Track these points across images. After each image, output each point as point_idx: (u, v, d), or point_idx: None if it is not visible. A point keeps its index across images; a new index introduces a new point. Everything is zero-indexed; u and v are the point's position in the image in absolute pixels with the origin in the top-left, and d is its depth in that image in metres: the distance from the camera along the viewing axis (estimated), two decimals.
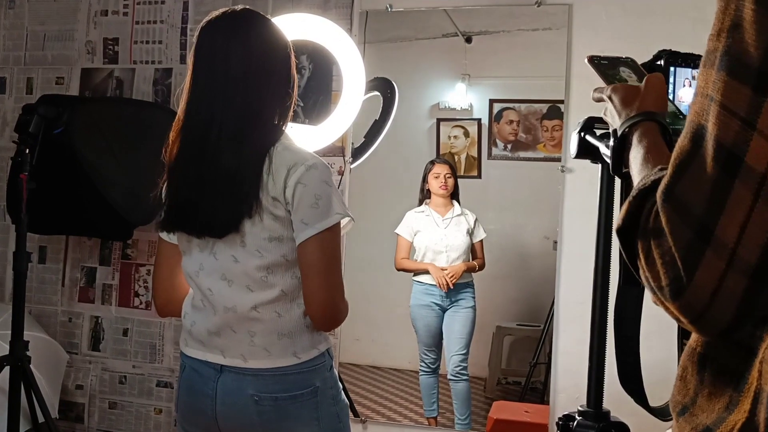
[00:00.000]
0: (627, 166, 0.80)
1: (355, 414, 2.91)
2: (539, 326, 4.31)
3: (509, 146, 4.96)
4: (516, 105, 4.88)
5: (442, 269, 3.44)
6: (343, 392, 1.44)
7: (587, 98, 2.38)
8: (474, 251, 3.58)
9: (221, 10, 1.39)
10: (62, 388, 2.71)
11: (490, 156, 4.97)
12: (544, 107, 4.81)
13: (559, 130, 4.83)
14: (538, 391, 4.13)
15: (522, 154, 4.93)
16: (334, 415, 1.39)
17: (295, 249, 1.32)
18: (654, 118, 0.81)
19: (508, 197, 4.82)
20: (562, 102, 4.69)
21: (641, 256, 0.64)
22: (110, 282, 2.79)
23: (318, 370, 1.37)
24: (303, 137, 2.04)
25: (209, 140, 1.31)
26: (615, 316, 0.93)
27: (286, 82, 1.38)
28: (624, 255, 0.68)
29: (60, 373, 2.68)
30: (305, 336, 1.35)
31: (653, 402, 0.94)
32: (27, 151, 2.17)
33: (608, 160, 0.89)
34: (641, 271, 0.65)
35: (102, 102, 2.69)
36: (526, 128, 4.93)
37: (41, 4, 2.91)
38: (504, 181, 4.88)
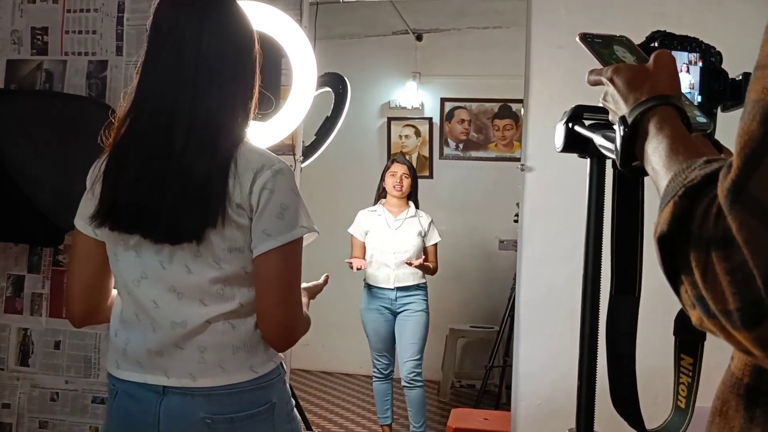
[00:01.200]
0: (638, 158, 0.70)
1: (308, 426, 2.77)
2: (493, 328, 4.27)
3: (461, 146, 4.91)
4: (467, 104, 4.83)
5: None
6: (295, 407, 1.35)
7: (547, 95, 2.31)
8: (426, 255, 3.47)
9: None
10: None
11: (441, 156, 4.92)
12: (496, 106, 4.78)
13: (510, 129, 4.81)
14: (493, 394, 4.09)
15: (474, 153, 4.89)
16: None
17: (253, 261, 1.21)
18: (671, 102, 0.71)
19: (460, 197, 4.78)
20: (513, 101, 4.66)
21: (696, 271, 0.52)
22: (40, 291, 2.58)
23: (274, 384, 1.26)
24: (251, 135, 1.90)
25: (175, 137, 1.16)
26: (607, 330, 0.84)
27: (254, 74, 1.26)
28: (663, 268, 0.56)
29: None
30: (261, 348, 1.24)
31: (648, 423, 0.85)
32: None
33: (607, 153, 0.79)
34: (690, 289, 0.53)
35: (27, 95, 2.48)
36: (477, 127, 4.89)
37: None
38: (456, 181, 4.83)
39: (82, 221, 1.28)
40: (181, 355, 1.21)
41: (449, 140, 5.02)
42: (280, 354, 1.30)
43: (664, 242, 0.55)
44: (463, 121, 4.97)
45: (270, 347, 1.26)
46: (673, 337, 0.85)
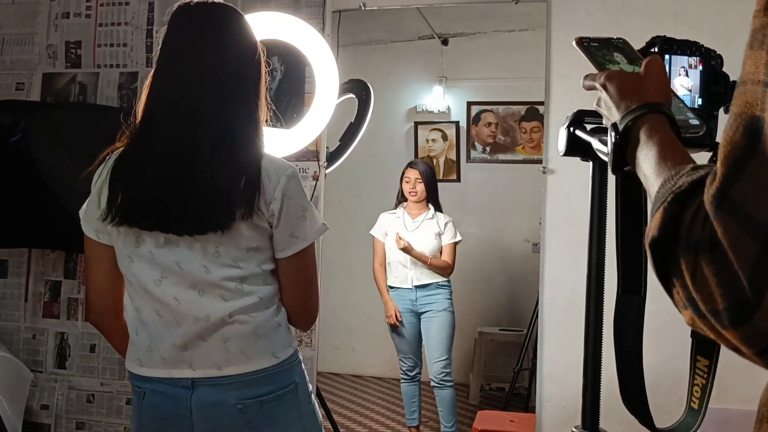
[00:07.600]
0: (630, 164, 0.72)
1: (335, 429, 2.80)
2: (522, 331, 4.25)
3: (488, 149, 4.91)
4: (494, 107, 4.83)
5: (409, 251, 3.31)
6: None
7: (568, 97, 2.32)
8: (441, 254, 3.44)
9: (197, 1, 1.30)
10: (26, 409, 2.58)
11: (468, 159, 4.92)
12: (522, 109, 4.76)
13: (537, 132, 4.79)
14: (522, 397, 4.07)
15: (501, 156, 4.88)
16: (311, 413, 1.36)
17: (269, 259, 1.28)
18: (661, 110, 0.73)
19: (488, 200, 4.77)
20: (540, 103, 4.64)
21: (686, 273, 0.54)
22: (76, 296, 2.67)
23: (295, 367, 1.33)
24: (276, 142, 1.95)
25: (200, 139, 1.22)
26: (615, 329, 0.85)
27: (262, 86, 1.32)
28: (655, 271, 0.58)
29: (23, 393, 2.55)
30: (280, 334, 1.31)
31: (658, 420, 0.87)
32: None
33: (603, 157, 0.81)
34: (681, 291, 0.55)
35: (62, 108, 2.57)
36: (504, 130, 4.88)
37: None
38: (483, 184, 4.83)
39: (89, 226, 1.32)
40: (205, 346, 1.26)
41: (476, 143, 5.03)
42: (295, 339, 1.37)
43: (655, 247, 0.58)
44: (489, 124, 4.97)
45: (287, 332, 1.33)
46: (689, 336, 0.86)
